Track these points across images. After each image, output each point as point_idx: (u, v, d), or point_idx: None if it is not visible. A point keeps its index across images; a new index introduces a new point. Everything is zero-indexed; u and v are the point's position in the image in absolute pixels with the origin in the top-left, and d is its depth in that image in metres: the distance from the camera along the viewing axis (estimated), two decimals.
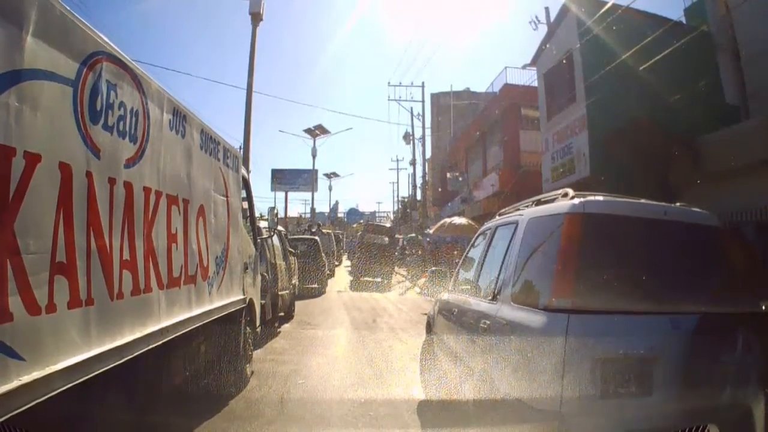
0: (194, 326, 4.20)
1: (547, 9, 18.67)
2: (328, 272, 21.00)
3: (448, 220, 17.67)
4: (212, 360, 5.13)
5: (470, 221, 17.54)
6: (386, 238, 23.19)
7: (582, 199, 3.21)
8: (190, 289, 4.19)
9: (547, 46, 18.45)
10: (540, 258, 3.27)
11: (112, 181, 2.92)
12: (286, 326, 10.14)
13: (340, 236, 37.76)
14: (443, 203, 34.32)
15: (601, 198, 3.29)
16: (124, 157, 3.09)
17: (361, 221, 57.78)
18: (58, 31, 2.44)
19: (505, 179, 21.44)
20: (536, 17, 18.98)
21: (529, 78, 21.74)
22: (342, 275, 27.69)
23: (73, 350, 2.50)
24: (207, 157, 4.78)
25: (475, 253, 4.58)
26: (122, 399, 3.11)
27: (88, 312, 2.63)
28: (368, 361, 7.47)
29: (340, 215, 65.27)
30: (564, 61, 16.70)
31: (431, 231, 18.29)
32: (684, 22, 14.59)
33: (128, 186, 3.11)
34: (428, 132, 35.06)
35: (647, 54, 12.26)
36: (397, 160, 56.60)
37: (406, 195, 56.35)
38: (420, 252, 21.75)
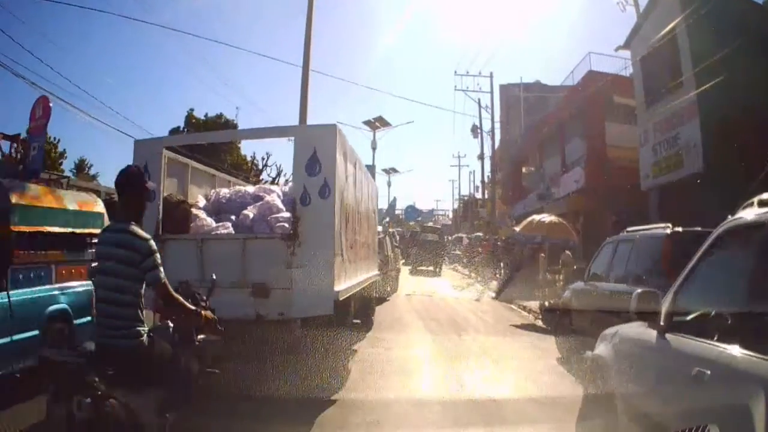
0: (369, 282, 8.61)
1: None
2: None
3: (537, 217, 16.19)
4: (365, 306, 9.26)
5: (561, 219, 16.03)
6: (436, 236, 31.05)
7: None
8: (368, 262, 8.82)
9: (643, 28, 16.74)
10: None
11: (355, 210, 7.44)
12: (354, 346, 7.95)
13: (405, 234, 36.46)
14: (514, 200, 32.52)
15: None
16: (357, 197, 7.65)
17: (419, 219, 56.97)
18: (350, 155, 7.14)
19: (592, 174, 19.68)
20: None
21: (618, 66, 19.95)
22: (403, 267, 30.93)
23: (348, 279, 6.80)
24: (368, 189, 8.90)
25: (709, 268, 3.22)
26: (353, 307, 7.88)
27: (351, 264, 7.12)
28: (468, 404, 5.79)
29: (398, 212, 64.13)
30: (665, 44, 14.97)
31: (517, 229, 16.85)
32: None
33: (359, 211, 7.82)
34: (497, 125, 33.39)
35: (753, 36, 11.01)
36: (459, 157, 54.85)
37: (467, 193, 54.80)
38: (497, 251, 20.37)
